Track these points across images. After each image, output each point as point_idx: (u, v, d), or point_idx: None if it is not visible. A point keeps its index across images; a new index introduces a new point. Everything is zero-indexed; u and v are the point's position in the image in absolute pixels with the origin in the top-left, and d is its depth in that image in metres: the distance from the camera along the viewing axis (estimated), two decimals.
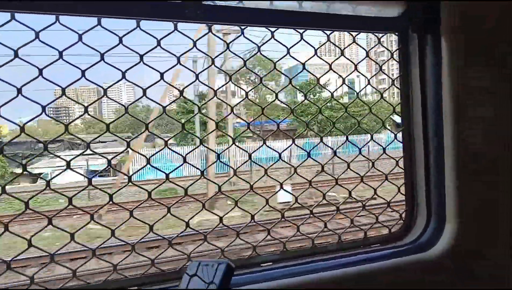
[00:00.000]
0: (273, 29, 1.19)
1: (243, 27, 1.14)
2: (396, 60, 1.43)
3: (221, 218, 1.20)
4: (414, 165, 1.45)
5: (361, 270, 1.26)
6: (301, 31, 1.22)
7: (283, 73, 1.13)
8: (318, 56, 1.27)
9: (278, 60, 1.18)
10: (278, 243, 1.30)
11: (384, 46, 1.45)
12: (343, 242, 1.38)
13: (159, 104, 1.66)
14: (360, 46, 1.46)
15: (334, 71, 1.42)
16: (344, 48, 1.38)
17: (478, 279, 1.36)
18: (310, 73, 1.40)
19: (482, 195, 1.36)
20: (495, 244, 1.39)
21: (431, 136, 1.40)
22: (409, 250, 1.38)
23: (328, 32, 1.28)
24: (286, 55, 1.21)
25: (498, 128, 1.37)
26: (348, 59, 1.49)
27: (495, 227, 1.39)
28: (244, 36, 1.16)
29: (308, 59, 1.27)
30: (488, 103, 1.35)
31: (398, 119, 1.31)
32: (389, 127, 1.62)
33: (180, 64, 1.12)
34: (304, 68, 1.25)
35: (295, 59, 1.30)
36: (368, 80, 1.40)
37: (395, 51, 1.44)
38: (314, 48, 1.24)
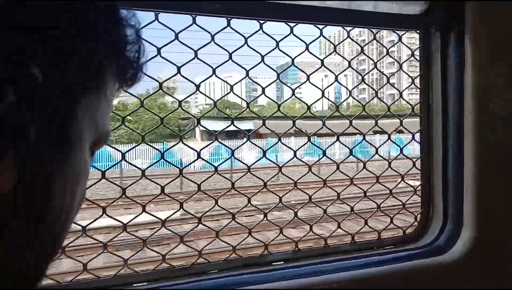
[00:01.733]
0: (292, 24, 1.16)
1: (262, 22, 1.12)
2: (417, 59, 1.39)
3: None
4: (431, 166, 1.42)
5: (374, 272, 1.24)
6: (321, 27, 1.20)
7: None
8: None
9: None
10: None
11: (404, 44, 1.42)
12: (357, 243, 1.36)
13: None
14: (381, 44, 1.43)
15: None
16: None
17: (496, 282, 1.33)
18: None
19: (502, 200, 1.33)
20: None
21: (451, 137, 1.36)
22: (424, 253, 1.36)
23: (348, 29, 1.25)
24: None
25: None
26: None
27: None
28: (263, 31, 1.13)
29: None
30: None
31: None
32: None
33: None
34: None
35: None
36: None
37: (416, 49, 1.41)
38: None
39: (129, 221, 1.15)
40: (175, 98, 1.34)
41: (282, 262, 1.24)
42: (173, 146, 1.40)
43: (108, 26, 0.40)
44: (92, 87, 0.40)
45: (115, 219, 1.12)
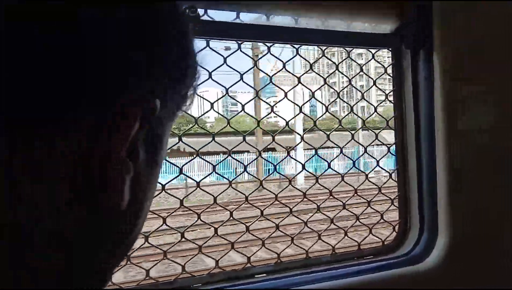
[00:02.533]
0: (269, 44, 1.21)
1: (240, 42, 1.17)
2: (389, 75, 1.46)
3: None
4: (407, 177, 1.48)
5: (354, 282, 1.28)
6: (297, 46, 1.25)
7: (249, 85, 1.15)
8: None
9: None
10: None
11: (377, 61, 1.48)
12: (337, 254, 1.40)
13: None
14: (355, 62, 1.49)
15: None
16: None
17: None
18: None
19: (475, 207, 1.38)
20: (489, 255, 1.41)
21: (423, 149, 1.42)
22: (402, 262, 1.40)
23: (323, 48, 1.31)
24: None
25: (491, 141, 1.40)
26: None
27: (487, 240, 1.41)
28: (241, 51, 1.18)
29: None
30: (481, 115, 1.38)
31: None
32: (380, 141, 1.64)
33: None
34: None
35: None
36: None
37: (388, 66, 1.47)
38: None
39: None
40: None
41: (265, 275, 1.27)
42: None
43: (187, 55, 0.44)
44: (176, 115, 0.44)
45: None
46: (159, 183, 1.24)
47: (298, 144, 1.51)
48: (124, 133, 0.35)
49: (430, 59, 1.36)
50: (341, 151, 1.48)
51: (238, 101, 1.23)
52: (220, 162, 1.39)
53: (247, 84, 1.26)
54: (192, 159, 1.34)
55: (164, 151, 0.44)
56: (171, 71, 0.41)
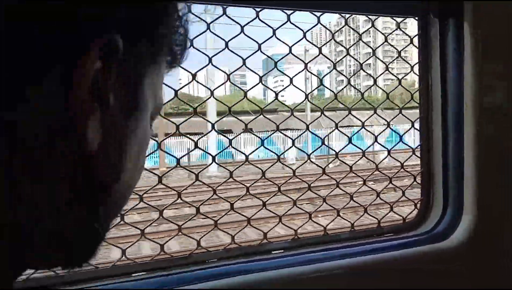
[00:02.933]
0: (289, 12, 1.15)
1: (258, 10, 1.11)
2: (415, 46, 1.38)
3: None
4: (431, 154, 1.42)
5: (374, 259, 1.24)
6: (318, 14, 1.19)
7: (255, 71, 1.09)
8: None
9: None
10: None
11: (403, 31, 1.41)
12: (356, 231, 1.37)
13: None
14: (378, 31, 1.42)
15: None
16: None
17: (494, 270, 1.33)
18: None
19: (501, 186, 1.32)
20: None
21: (450, 124, 1.36)
22: (424, 240, 1.36)
23: (346, 16, 1.24)
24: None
25: None
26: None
27: None
28: (259, 19, 1.13)
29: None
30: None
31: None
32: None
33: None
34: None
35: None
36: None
37: (415, 36, 1.40)
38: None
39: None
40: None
41: (282, 251, 1.24)
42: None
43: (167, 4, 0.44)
44: (155, 60, 0.43)
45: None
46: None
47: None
48: (83, 69, 0.34)
49: (460, 28, 1.29)
50: (363, 126, 1.42)
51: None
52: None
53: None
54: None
55: (145, 101, 0.42)
56: (140, 9, 0.39)
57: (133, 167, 0.42)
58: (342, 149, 1.46)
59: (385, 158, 1.44)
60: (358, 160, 1.52)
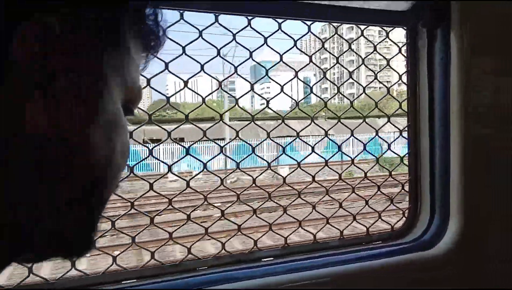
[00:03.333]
0: (280, 21, 1.16)
1: (250, 18, 1.12)
2: (404, 55, 1.40)
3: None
4: (419, 161, 1.44)
5: (363, 267, 1.25)
6: (308, 23, 1.20)
7: (245, 79, 1.11)
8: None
9: (240, 64, 1.15)
10: None
11: (392, 41, 1.43)
12: (345, 238, 1.37)
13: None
14: (368, 40, 1.44)
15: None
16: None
17: (482, 276, 1.35)
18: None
19: (488, 193, 1.34)
20: (501, 240, 1.38)
21: (437, 132, 1.38)
22: (413, 247, 1.37)
23: (336, 25, 1.26)
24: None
25: (506, 125, 1.35)
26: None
27: (500, 223, 1.37)
28: (251, 27, 1.13)
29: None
30: (497, 100, 1.33)
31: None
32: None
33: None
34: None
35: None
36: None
37: (403, 46, 1.42)
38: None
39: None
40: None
41: (272, 258, 1.24)
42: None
43: None
44: (112, 43, 0.42)
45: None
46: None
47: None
48: (18, 52, 0.34)
49: (447, 39, 1.31)
50: (352, 134, 1.43)
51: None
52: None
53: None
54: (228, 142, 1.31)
55: (108, 87, 0.41)
56: None
57: (109, 153, 0.41)
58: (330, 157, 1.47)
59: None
60: (347, 167, 1.53)
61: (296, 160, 1.34)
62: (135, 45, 0.46)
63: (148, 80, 1.07)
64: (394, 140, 1.57)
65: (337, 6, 1.21)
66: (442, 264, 1.32)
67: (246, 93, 1.26)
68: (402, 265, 1.29)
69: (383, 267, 1.27)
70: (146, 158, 1.14)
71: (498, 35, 1.32)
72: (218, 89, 1.19)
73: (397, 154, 1.47)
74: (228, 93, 1.50)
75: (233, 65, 1.13)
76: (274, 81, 1.31)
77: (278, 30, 1.15)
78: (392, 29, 1.39)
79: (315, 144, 1.36)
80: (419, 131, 1.42)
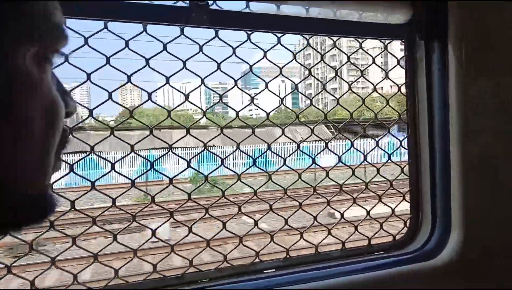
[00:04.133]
0: (279, 35, 1.18)
1: (249, 32, 1.14)
2: (402, 67, 1.42)
3: None
4: (419, 171, 1.44)
5: (365, 278, 1.25)
6: (307, 36, 1.22)
7: (228, 74, 1.10)
8: (267, 60, 1.27)
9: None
10: None
11: (390, 53, 1.45)
12: (347, 249, 1.37)
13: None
14: (367, 52, 1.45)
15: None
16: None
17: (485, 286, 1.34)
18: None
19: (488, 202, 1.35)
20: (502, 251, 1.38)
21: (437, 143, 1.39)
22: (414, 258, 1.37)
23: (335, 38, 1.28)
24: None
25: (505, 136, 1.36)
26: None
27: (501, 234, 1.37)
28: (251, 41, 1.15)
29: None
30: (496, 111, 1.34)
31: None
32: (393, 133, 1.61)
33: (186, 68, 1.12)
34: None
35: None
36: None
37: (401, 58, 1.44)
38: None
39: None
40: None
41: (274, 270, 1.25)
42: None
43: None
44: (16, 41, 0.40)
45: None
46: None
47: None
48: None
49: (445, 50, 1.33)
50: (352, 145, 1.44)
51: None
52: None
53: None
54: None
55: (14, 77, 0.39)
56: None
57: (29, 113, 0.40)
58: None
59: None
60: (349, 177, 1.53)
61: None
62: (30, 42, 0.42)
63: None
64: (394, 151, 1.57)
65: (334, 20, 1.23)
66: (443, 274, 1.32)
67: (247, 106, 1.28)
68: (405, 276, 1.29)
69: (386, 278, 1.27)
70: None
71: (495, 47, 1.34)
72: (218, 102, 1.20)
73: (397, 164, 1.48)
74: (229, 106, 1.52)
75: (233, 78, 1.15)
76: (275, 94, 1.33)
77: (277, 44, 1.18)
78: (390, 41, 1.41)
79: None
80: (419, 142, 1.43)
